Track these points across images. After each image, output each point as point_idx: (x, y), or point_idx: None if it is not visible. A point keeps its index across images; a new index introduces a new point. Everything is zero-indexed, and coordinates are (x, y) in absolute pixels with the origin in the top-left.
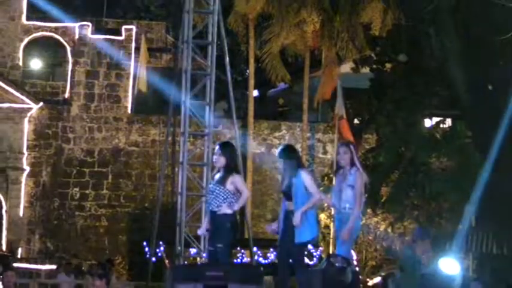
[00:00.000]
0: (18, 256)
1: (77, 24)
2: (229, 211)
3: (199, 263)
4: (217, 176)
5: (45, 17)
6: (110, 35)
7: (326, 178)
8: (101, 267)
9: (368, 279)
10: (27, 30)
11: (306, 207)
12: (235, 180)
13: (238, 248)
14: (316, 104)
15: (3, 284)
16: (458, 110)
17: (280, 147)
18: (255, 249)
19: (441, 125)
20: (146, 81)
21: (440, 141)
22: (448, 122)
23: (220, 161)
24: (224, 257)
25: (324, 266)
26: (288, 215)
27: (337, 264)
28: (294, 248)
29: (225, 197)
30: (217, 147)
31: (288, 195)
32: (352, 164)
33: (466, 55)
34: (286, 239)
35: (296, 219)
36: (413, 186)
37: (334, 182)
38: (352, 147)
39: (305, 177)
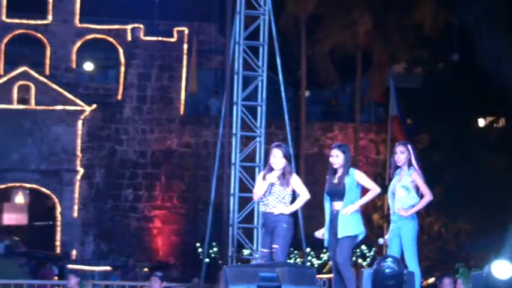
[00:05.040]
0: (73, 258)
1: (129, 27)
2: (286, 211)
3: (252, 263)
4: (274, 175)
5: (97, 19)
6: (162, 37)
7: (379, 178)
8: (158, 269)
9: (422, 280)
10: (80, 33)
11: (367, 199)
12: (294, 181)
13: (292, 249)
14: (365, 104)
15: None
16: None
17: (336, 143)
18: (308, 249)
19: (495, 124)
20: (196, 82)
21: (494, 140)
22: (502, 121)
23: (280, 161)
24: (281, 259)
25: (374, 268)
26: (336, 216)
27: (388, 268)
28: (341, 243)
29: (282, 197)
30: (275, 149)
31: (336, 195)
32: (410, 164)
33: None
34: (334, 240)
35: (349, 209)
36: (467, 186)
37: (390, 183)
38: (410, 147)
39: (359, 174)
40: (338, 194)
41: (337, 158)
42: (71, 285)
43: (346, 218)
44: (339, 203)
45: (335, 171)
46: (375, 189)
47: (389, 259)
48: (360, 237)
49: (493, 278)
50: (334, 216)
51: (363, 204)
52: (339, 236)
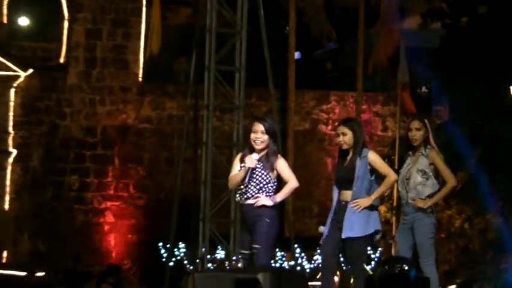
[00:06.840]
0: (3, 261)
1: None
2: (269, 203)
3: (228, 267)
4: (254, 157)
5: None
6: None
7: (386, 160)
8: (111, 274)
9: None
10: None
11: (383, 189)
12: (279, 164)
13: (277, 249)
14: (372, 68)
15: None
16: None
17: (344, 118)
18: (297, 250)
19: None
20: (160, 41)
21: None
22: None
23: (262, 139)
24: (263, 262)
25: (378, 272)
26: (343, 208)
27: (395, 270)
28: (351, 245)
29: (265, 184)
30: (256, 123)
31: (346, 182)
32: (427, 143)
33: None
34: (336, 235)
35: (360, 204)
36: (497, 170)
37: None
38: (427, 122)
39: (373, 157)
40: (348, 180)
41: (343, 136)
42: None
43: (356, 215)
44: (348, 192)
45: (345, 153)
46: (391, 177)
47: (399, 259)
48: (377, 237)
49: None
50: (342, 208)
51: (379, 197)
52: (343, 235)
